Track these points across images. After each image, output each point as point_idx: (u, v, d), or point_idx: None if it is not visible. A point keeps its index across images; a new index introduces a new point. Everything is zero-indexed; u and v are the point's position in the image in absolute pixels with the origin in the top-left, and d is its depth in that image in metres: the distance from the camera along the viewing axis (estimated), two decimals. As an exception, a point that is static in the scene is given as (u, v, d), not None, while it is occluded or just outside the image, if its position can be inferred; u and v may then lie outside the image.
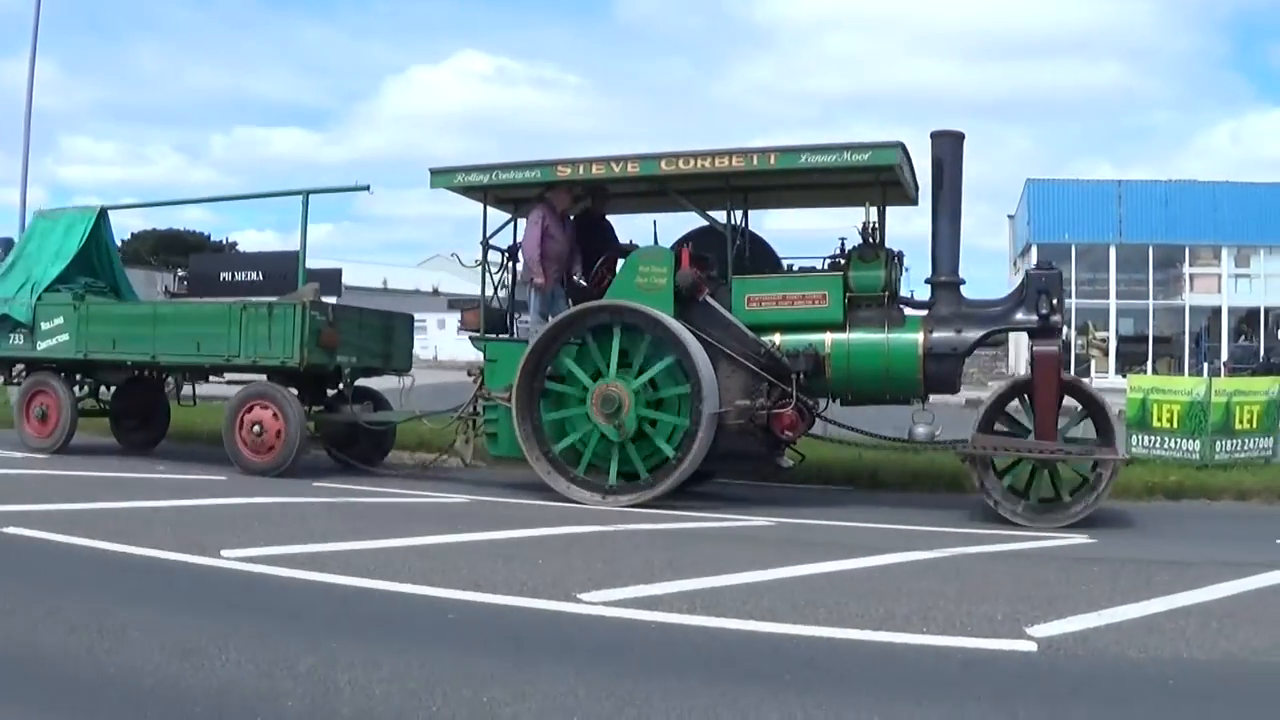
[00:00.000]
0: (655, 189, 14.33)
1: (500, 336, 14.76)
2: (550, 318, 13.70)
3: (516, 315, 15.43)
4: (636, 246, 14.46)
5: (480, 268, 14.62)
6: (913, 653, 6.82)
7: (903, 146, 12.99)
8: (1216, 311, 51.29)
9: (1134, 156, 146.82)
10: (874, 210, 13.54)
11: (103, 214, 17.75)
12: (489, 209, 14.69)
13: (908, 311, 13.31)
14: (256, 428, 15.01)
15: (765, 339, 13.09)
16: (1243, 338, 50.14)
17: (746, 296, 13.30)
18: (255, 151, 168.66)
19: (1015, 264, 63.39)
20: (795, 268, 14.40)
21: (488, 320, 14.57)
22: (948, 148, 13.21)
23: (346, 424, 16.16)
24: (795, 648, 6.86)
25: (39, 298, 16.89)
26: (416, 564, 8.98)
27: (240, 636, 6.64)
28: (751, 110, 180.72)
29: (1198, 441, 16.34)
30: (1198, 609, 7.97)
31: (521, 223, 14.55)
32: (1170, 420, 16.60)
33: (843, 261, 13.45)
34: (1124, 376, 30.85)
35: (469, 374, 15.00)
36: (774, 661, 6.54)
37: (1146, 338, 52.26)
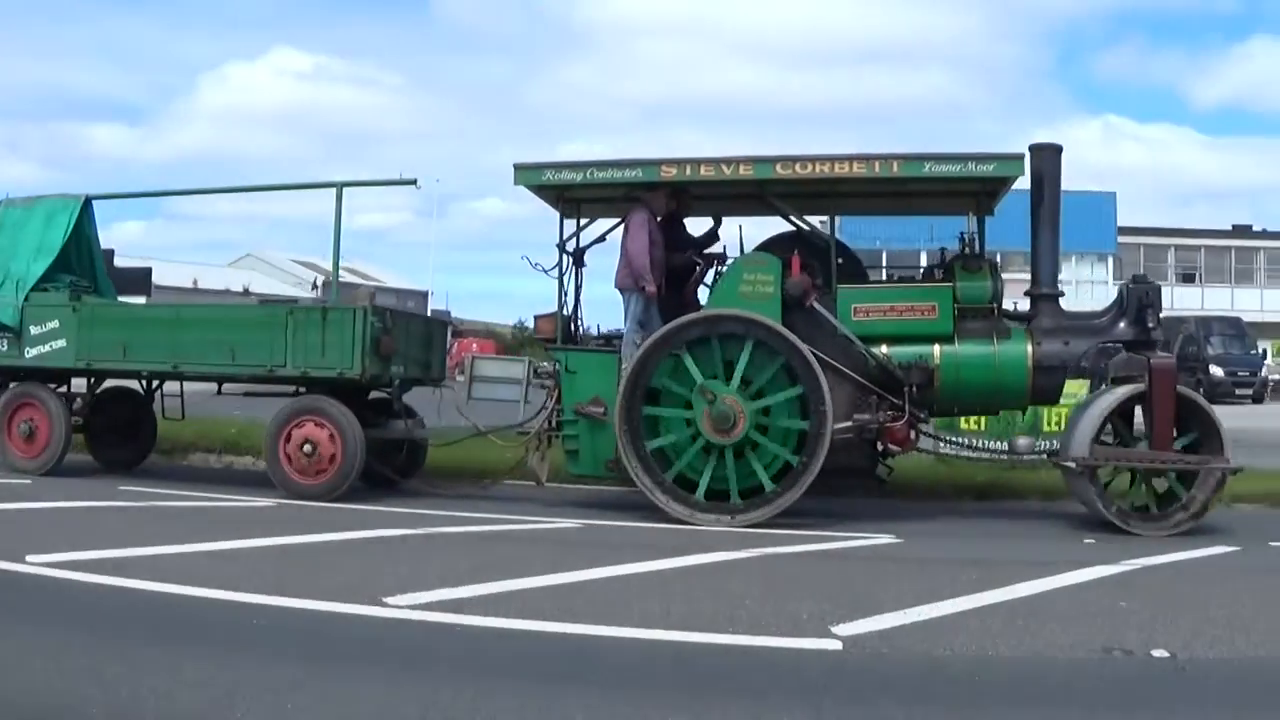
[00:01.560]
0: (746, 193, 13.90)
1: (578, 346, 14.07)
2: (644, 327, 13.32)
3: (583, 324, 14.51)
4: (716, 252, 14.35)
5: (557, 272, 13.98)
6: (718, 652, 6.96)
7: (1026, 159, 13.14)
8: None
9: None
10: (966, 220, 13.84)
11: (87, 204, 15.94)
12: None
13: (1011, 324, 13.40)
14: (308, 447, 13.57)
15: (875, 350, 12.88)
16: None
17: (853, 306, 12.97)
18: (78, 148, 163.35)
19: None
20: (895, 277, 14.46)
21: (555, 329, 13.88)
22: (1048, 161, 13.36)
23: (392, 440, 14.94)
24: (601, 649, 6.97)
25: (26, 298, 15.14)
26: (222, 569, 8.91)
27: (45, 643, 6.58)
28: (570, 112, 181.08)
29: (1006, 443, 16.68)
30: (1004, 607, 8.26)
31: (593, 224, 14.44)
32: (979, 421, 16.94)
33: (938, 272, 13.68)
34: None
35: (542, 386, 14.65)
36: (580, 663, 6.67)
37: None
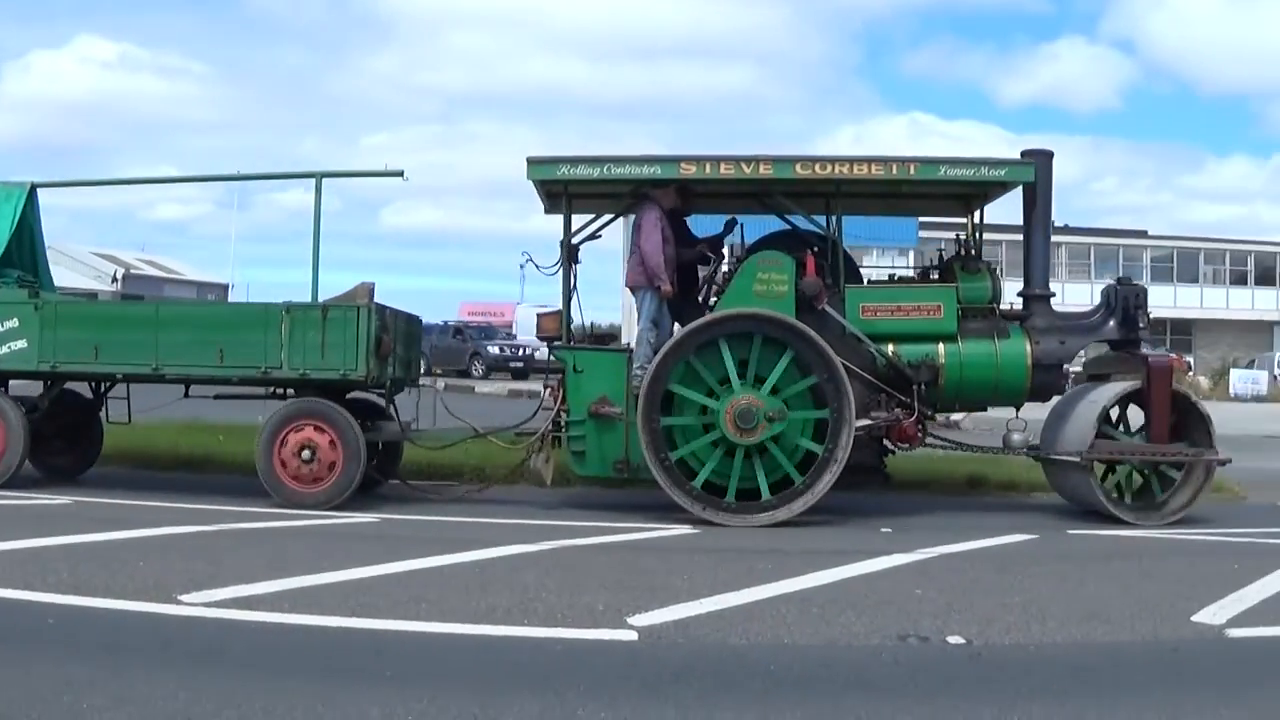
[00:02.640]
0: (749, 192, 14.08)
1: (586, 345, 13.96)
2: (657, 326, 13.32)
3: (585, 321, 14.43)
4: (715, 249, 14.33)
5: (561, 271, 13.80)
6: (514, 645, 7.05)
7: (1035, 166, 13.55)
8: None
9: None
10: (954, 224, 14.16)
11: (32, 192, 14.99)
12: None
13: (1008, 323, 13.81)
14: (306, 453, 12.99)
15: (884, 349, 13.12)
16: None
17: (861, 306, 13.24)
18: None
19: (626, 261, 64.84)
20: (895, 277, 14.83)
21: (560, 327, 13.77)
22: (1040, 167, 13.68)
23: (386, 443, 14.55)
24: (396, 643, 7.03)
25: None
26: (16, 569, 8.75)
27: None
28: (374, 102, 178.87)
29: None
30: (799, 596, 8.48)
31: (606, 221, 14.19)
32: None
33: (934, 273, 14.17)
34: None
35: (545, 385, 14.41)
36: (375, 658, 6.70)
37: None
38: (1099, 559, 10.81)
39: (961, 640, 7.33)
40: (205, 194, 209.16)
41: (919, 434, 13.24)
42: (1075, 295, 65.43)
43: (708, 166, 13.11)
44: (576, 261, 14.02)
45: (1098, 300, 14.34)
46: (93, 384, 14.89)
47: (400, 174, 14.34)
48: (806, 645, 7.16)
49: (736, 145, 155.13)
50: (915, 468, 15.18)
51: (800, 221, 14.17)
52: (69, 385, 14.65)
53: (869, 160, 13.15)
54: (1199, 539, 12.13)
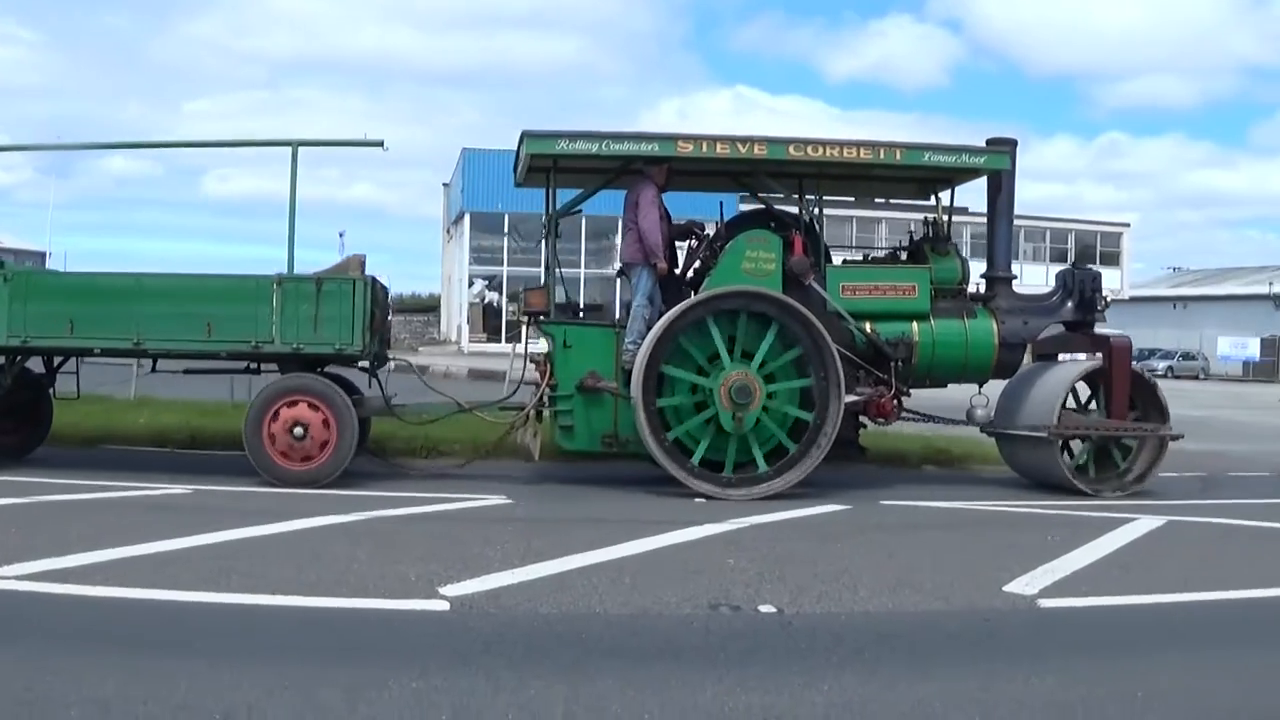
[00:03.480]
0: (728, 171, 14.64)
1: (575, 321, 14.33)
2: (652, 303, 13.55)
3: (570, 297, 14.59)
4: (699, 227, 14.79)
5: (545, 245, 14.31)
6: (327, 616, 7.06)
7: (1009, 153, 14.39)
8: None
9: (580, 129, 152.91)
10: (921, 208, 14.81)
11: None
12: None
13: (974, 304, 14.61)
14: (299, 430, 12.70)
15: (864, 327, 13.72)
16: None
17: (841, 285, 13.81)
18: None
19: (449, 231, 64.78)
20: (868, 257, 15.77)
21: (546, 302, 13.92)
22: (1009, 155, 14.43)
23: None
24: (206, 615, 6.99)
25: None
26: None
27: None
28: (198, 68, 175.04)
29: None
30: (611, 565, 8.59)
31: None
32: None
33: (903, 255, 14.80)
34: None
35: (535, 360, 14.38)
36: (183, 631, 6.66)
37: (578, 306, 54.87)
38: (912, 529, 11.11)
39: (773, 609, 7.46)
40: (28, 161, 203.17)
41: (895, 410, 13.87)
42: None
43: (704, 145, 13.44)
44: (558, 235, 14.36)
45: (1052, 283, 15.28)
46: (46, 359, 14.41)
47: (380, 144, 14.42)
48: (618, 614, 7.25)
49: (565, 117, 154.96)
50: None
51: (775, 205, 14.77)
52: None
53: (858, 144, 13.59)
54: (1013, 511, 12.49)
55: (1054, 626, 7.67)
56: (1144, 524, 11.56)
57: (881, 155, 13.69)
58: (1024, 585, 8.46)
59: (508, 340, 43.40)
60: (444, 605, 7.24)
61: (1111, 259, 73.43)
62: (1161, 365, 64.90)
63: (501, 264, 58.03)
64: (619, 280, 15.44)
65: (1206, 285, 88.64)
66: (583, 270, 55.06)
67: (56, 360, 14.43)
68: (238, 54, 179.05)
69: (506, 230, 55.86)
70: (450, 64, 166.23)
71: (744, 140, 13.50)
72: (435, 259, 75.93)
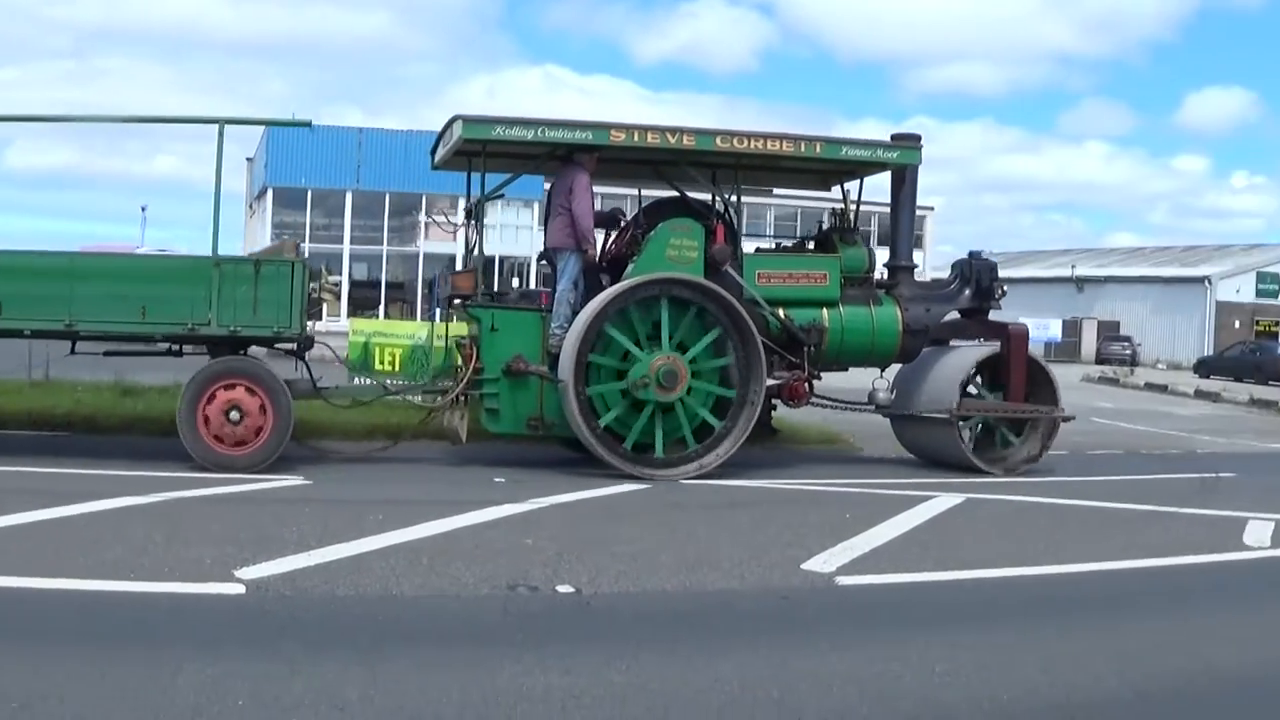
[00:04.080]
0: (650, 159, 14.76)
1: (502, 304, 14.54)
2: (577, 287, 13.93)
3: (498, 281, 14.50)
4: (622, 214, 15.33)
5: (467, 229, 14.77)
6: (120, 600, 6.97)
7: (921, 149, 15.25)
8: (451, 259, 54.09)
9: (386, 106, 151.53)
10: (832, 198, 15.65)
11: None
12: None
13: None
14: (234, 413, 12.42)
15: (779, 313, 14.25)
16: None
17: (757, 273, 14.39)
18: None
19: (251, 206, 63.84)
20: (779, 245, 16.39)
21: (474, 286, 14.14)
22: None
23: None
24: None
25: None
26: None
27: None
28: (7, 35, 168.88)
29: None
30: (408, 547, 8.60)
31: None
32: (392, 363, 17.32)
33: (811, 244, 15.53)
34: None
35: (459, 344, 14.32)
36: None
37: (380, 283, 56.37)
38: (711, 508, 11.31)
39: (571, 589, 7.55)
40: None
41: (808, 393, 14.53)
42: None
43: (635, 134, 13.88)
44: (479, 220, 14.61)
45: (948, 272, 16.35)
46: None
47: (308, 124, 14.83)
48: (415, 596, 7.28)
49: (374, 92, 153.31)
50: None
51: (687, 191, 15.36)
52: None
53: (781, 137, 14.31)
54: (811, 489, 12.76)
55: (852, 603, 7.89)
56: (943, 501, 11.93)
57: (803, 148, 14.53)
58: (822, 563, 8.65)
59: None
60: (239, 589, 7.18)
61: (915, 242, 74.96)
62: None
63: (305, 240, 57.52)
64: (540, 264, 15.64)
65: (1009, 268, 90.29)
66: (385, 247, 54.81)
67: None
68: (46, 21, 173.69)
69: (309, 206, 55.42)
70: (258, 35, 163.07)
71: (674, 130, 14.02)
72: (239, 234, 75.06)
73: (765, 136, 14.23)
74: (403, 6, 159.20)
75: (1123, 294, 73.23)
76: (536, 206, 60.53)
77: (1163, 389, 39.07)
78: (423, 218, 53.94)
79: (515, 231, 57.84)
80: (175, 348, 13.75)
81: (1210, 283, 67.28)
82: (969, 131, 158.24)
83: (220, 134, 13.38)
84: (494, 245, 55.45)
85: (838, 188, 16.15)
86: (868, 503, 11.79)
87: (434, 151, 15.44)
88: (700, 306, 13.59)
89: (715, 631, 6.87)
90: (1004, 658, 6.61)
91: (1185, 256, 76.48)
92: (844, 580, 8.27)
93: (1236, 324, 65.24)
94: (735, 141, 14.11)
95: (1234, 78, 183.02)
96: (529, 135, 13.83)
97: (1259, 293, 67.66)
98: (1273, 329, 65.92)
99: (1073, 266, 79.57)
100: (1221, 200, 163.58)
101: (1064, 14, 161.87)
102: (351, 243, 55.37)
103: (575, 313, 13.60)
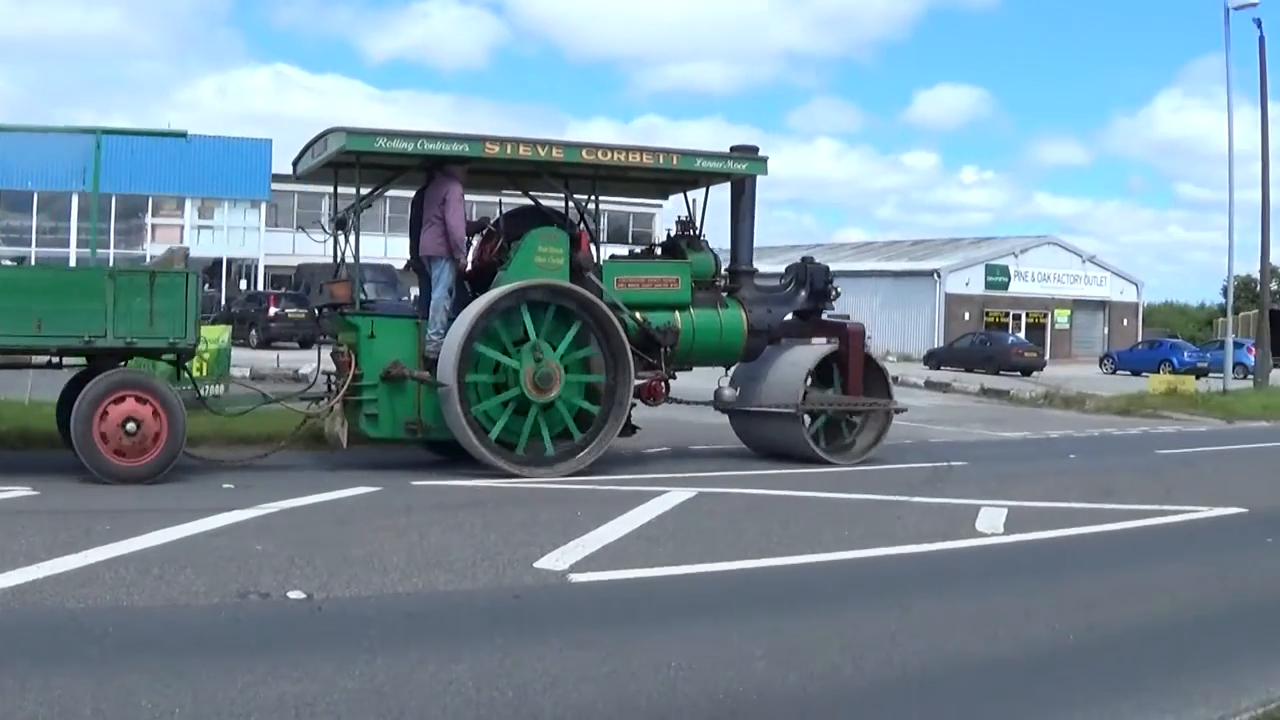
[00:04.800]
0: (514, 171, 15.80)
1: (378, 312, 15.61)
2: (451, 294, 14.65)
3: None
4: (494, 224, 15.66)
5: (333, 239, 15.36)
6: None
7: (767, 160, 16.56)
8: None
9: (115, 106, 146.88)
10: (681, 207, 16.77)
11: None
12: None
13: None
14: (131, 425, 12.41)
15: (635, 316, 15.13)
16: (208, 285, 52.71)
17: (616, 278, 15.28)
18: None
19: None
20: (630, 252, 17.75)
21: (350, 294, 14.80)
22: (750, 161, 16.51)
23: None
24: None
25: None
26: None
27: None
28: None
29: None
30: (139, 556, 8.59)
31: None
32: (200, 368, 17.38)
33: (658, 250, 16.88)
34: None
35: (335, 352, 14.85)
36: None
37: None
38: (443, 509, 11.47)
39: (303, 595, 7.66)
40: None
41: (665, 392, 15.69)
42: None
43: (509, 147, 14.77)
44: (347, 230, 15.29)
45: (781, 276, 17.63)
46: None
47: (183, 134, 14.67)
48: (146, 607, 7.29)
49: (100, 92, 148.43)
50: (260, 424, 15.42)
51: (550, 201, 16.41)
52: None
53: (642, 149, 15.44)
54: (545, 487, 13.09)
55: (586, 601, 8.13)
56: (674, 496, 12.26)
57: (661, 160, 15.57)
58: (555, 561, 8.90)
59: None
60: (-37, 604, 7.11)
61: (643, 239, 75.73)
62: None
63: (31, 244, 56.18)
64: (411, 271, 16.51)
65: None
66: (112, 250, 53.76)
67: None
68: None
69: (36, 209, 53.87)
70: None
71: (543, 144, 14.92)
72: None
73: (626, 149, 15.37)
74: (131, 4, 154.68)
75: (853, 288, 74.26)
76: (264, 208, 60.38)
77: (894, 381, 39.73)
78: (150, 220, 53.12)
79: (243, 233, 57.49)
80: (55, 360, 13.75)
81: (939, 276, 69.03)
82: (699, 130, 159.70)
83: (98, 145, 14.16)
84: (221, 247, 55.45)
85: (676, 195, 17.46)
86: (600, 500, 12.06)
87: (296, 161, 16.02)
88: (558, 306, 14.49)
89: (448, 633, 7.03)
90: (738, 650, 6.82)
91: (915, 250, 78.43)
92: (577, 578, 8.50)
93: (966, 315, 67.16)
94: (600, 154, 15.15)
95: (965, 75, 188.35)
96: (409, 147, 14.33)
97: (988, 285, 69.64)
98: (1002, 320, 68.50)
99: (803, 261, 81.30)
100: (951, 195, 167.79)
101: (794, 13, 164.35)
102: (78, 246, 53.61)
103: (450, 319, 14.33)
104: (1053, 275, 74.27)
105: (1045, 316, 73.18)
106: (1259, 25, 37.84)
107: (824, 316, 17.51)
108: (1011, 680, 6.72)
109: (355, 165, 14.61)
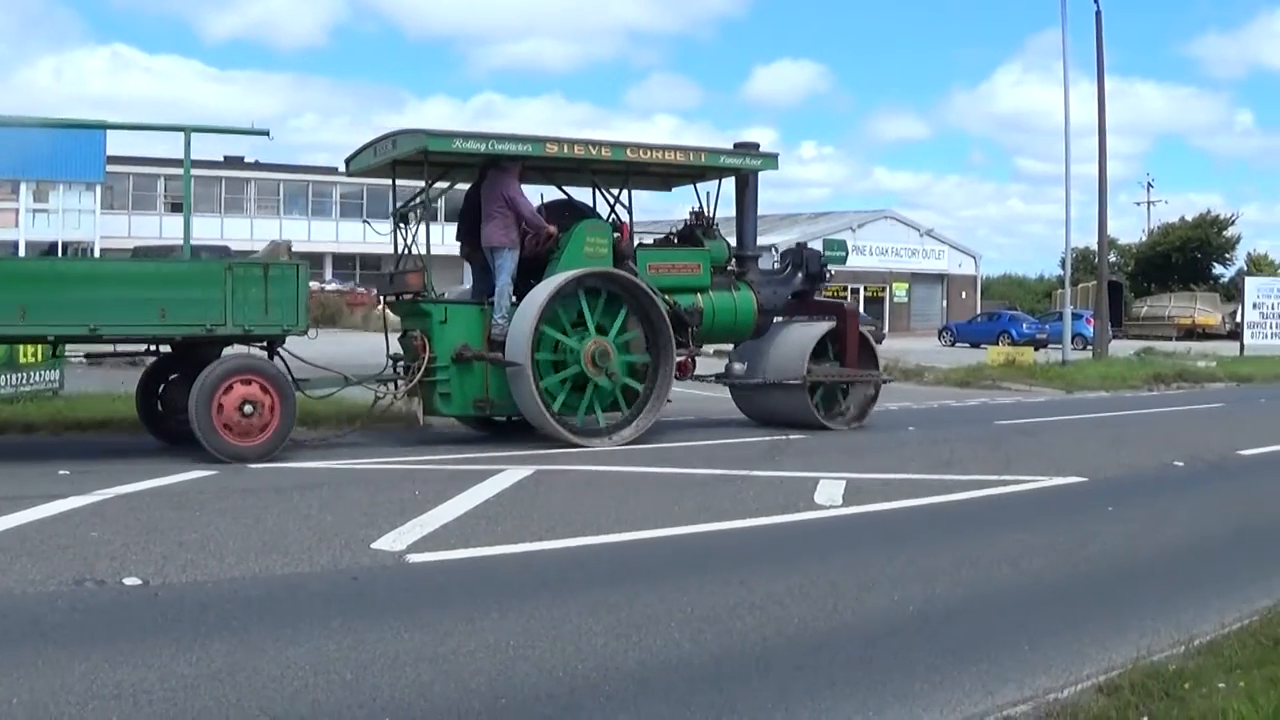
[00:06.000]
0: (557, 167, 17.45)
1: (450, 299, 16.37)
2: (513, 281, 15.96)
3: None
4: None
5: (395, 230, 16.73)
6: None
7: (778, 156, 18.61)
8: (15, 245, 53.77)
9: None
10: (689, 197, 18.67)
11: None
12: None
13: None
14: (248, 407, 13.57)
15: (666, 299, 16.72)
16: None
17: (648, 264, 16.97)
18: None
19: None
20: (655, 241, 18.90)
21: (423, 283, 15.76)
22: (753, 154, 18.31)
23: None
24: None
25: None
26: None
27: None
28: None
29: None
30: None
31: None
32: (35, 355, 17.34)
33: (675, 239, 18.45)
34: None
35: (408, 337, 16.27)
36: None
37: None
38: (279, 492, 11.48)
39: (138, 581, 7.68)
40: None
41: (692, 367, 17.68)
42: (261, 230, 67.35)
43: (565, 147, 16.47)
44: (425, 222, 16.30)
45: (776, 260, 19.92)
46: None
47: (266, 133, 15.44)
48: (-16, 596, 7.25)
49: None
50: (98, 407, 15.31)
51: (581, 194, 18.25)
52: None
53: (675, 148, 17.46)
54: (381, 468, 13.22)
55: (424, 581, 8.22)
56: (511, 475, 12.45)
57: (690, 157, 17.49)
58: (392, 541, 9.01)
59: None
60: None
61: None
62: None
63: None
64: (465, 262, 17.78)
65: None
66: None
67: None
68: None
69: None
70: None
71: (595, 144, 16.71)
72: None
73: (663, 148, 17.27)
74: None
75: (689, 264, 75.82)
76: (99, 190, 59.74)
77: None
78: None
79: (78, 216, 56.90)
80: (155, 349, 15.00)
81: (776, 250, 69.97)
82: (538, 107, 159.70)
83: (187, 143, 14.58)
84: (57, 230, 55.11)
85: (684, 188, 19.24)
86: (437, 479, 12.20)
87: (352, 159, 17.56)
88: (610, 292, 16.13)
89: (285, 617, 7.07)
90: (577, 628, 6.97)
91: (752, 226, 79.60)
92: (414, 558, 8.60)
93: (803, 290, 68.35)
94: (641, 153, 16.96)
95: (804, 51, 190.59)
96: (481, 148, 15.84)
97: (826, 260, 70.84)
98: (840, 295, 69.47)
99: (639, 240, 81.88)
100: (790, 171, 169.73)
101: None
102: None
103: (514, 304, 15.74)
104: (890, 249, 75.69)
105: (883, 290, 74.45)
106: (1096, 1, 38.74)
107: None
108: (853, 651, 6.86)
109: (424, 164, 15.88)
